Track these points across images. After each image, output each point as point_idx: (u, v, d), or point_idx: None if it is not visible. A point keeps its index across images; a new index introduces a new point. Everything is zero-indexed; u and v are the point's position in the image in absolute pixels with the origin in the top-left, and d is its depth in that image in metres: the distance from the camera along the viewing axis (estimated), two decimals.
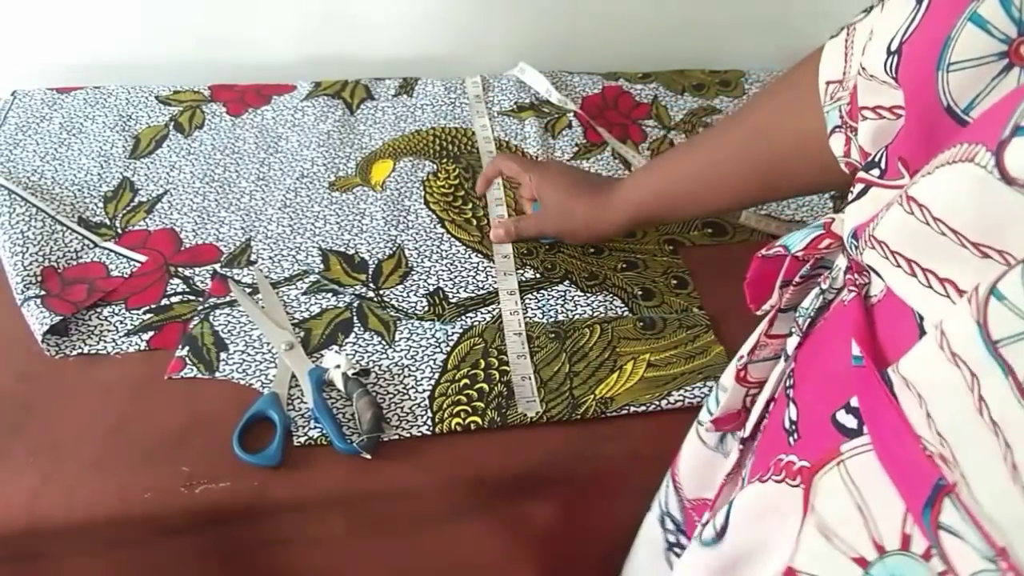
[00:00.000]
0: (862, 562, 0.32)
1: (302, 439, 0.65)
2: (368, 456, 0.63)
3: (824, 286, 0.43)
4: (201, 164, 0.89)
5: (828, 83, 0.50)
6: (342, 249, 0.81)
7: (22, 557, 0.62)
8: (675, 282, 0.80)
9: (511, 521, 0.69)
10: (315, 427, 0.65)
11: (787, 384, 0.43)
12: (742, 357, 0.49)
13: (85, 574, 0.65)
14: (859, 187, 0.40)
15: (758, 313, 0.49)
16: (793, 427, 0.40)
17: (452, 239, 0.83)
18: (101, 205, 0.83)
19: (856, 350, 0.35)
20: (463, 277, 0.79)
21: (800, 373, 0.42)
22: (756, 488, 0.41)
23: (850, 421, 0.35)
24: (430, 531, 0.68)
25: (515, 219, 0.82)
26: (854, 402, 0.35)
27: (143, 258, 0.78)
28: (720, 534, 0.43)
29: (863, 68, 0.39)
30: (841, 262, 0.43)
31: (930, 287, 0.32)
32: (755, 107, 0.63)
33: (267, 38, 1.03)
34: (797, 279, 0.45)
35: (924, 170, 0.32)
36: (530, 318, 0.75)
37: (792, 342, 0.43)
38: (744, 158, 0.62)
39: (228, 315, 0.73)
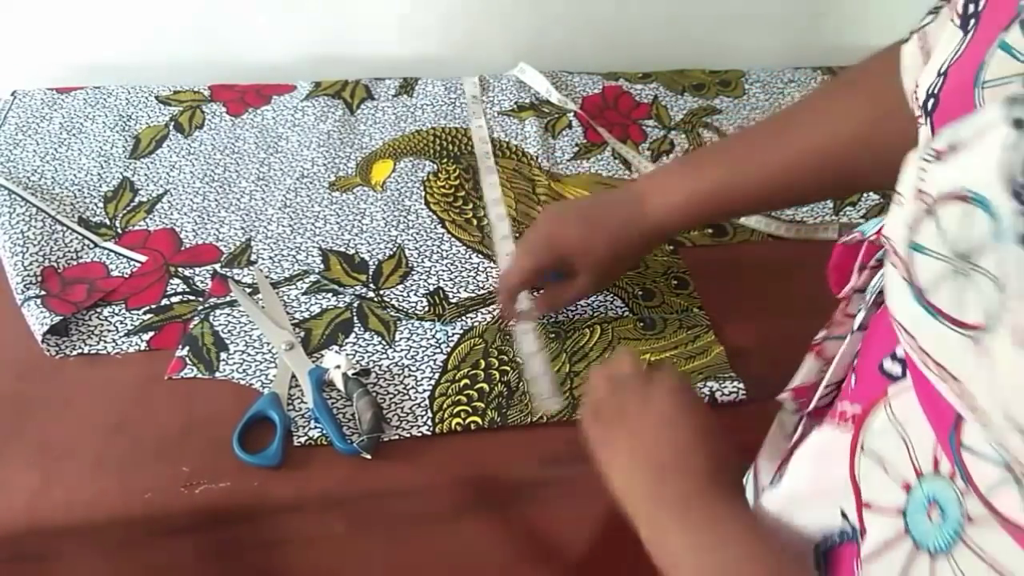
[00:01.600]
0: (907, 487, 0.38)
1: (302, 439, 0.65)
2: (368, 456, 0.63)
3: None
4: (201, 164, 0.89)
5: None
6: (342, 249, 0.81)
7: (22, 557, 0.62)
8: (675, 282, 0.80)
9: (511, 521, 0.69)
10: (315, 427, 0.65)
11: (854, 358, 0.46)
12: (822, 333, 0.52)
13: (85, 574, 0.65)
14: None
15: (839, 296, 0.51)
16: (851, 386, 0.45)
17: (452, 239, 0.82)
18: (101, 205, 0.83)
19: None
20: (463, 277, 0.79)
21: (865, 342, 0.46)
22: (813, 436, 0.46)
23: (896, 368, 0.40)
24: (430, 531, 0.68)
25: (544, 295, 0.74)
26: (899, 351, 0.39)
27: (143, 258, 0.78)
28: (779, 477, 0.47)
29: (916, 86, 0.41)
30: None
31: None
32: (815, 109, 0.62)
33: (267, 38, 1.03)
34: (873, 262, 0.47)
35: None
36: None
37: (859, 316, 0.47)
38: (816, 165, 0.61)
39: (228, 315, 0.73)
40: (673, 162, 0.75)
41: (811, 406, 0.50)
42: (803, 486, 0.46)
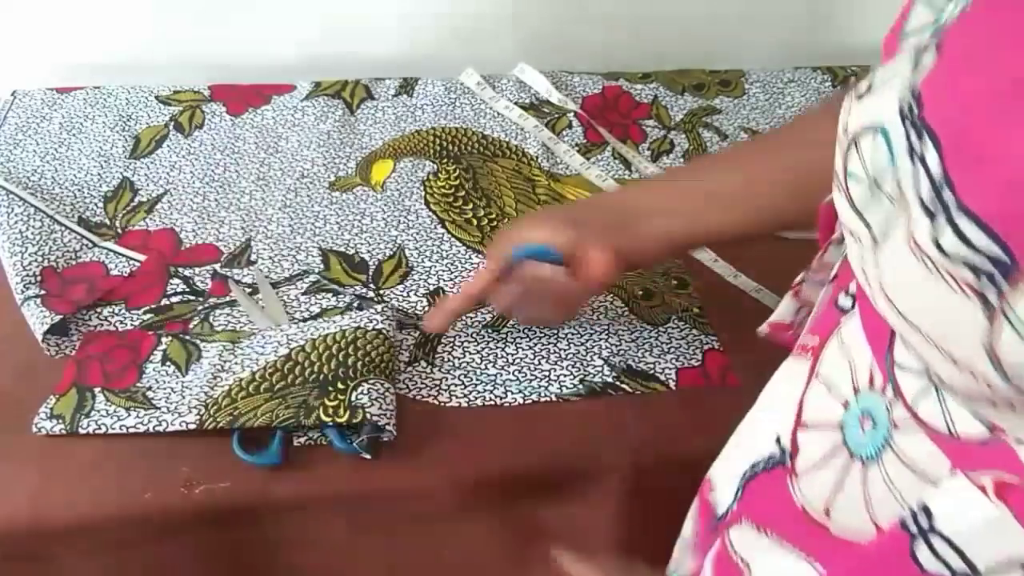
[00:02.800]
0: (845, 404, 0.41)
1: (302, 439, 0.65)
2: (368, 456, 0.63)
3: None
4: (201, 164, 0.89)
5: None
6: (342, 249, 0.81)
7: (22, 557, 0.62)
8: (675, 282, 0.80)
9: (512, 521, 0.69)
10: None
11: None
12: (801, 275, 0.54)
13: (85, 574, 0.65)
14: None
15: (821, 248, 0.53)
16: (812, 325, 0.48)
17: (452, 239, 0.82)
18: (101, 205, 0.83)
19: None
20: (463, 277, 0.79)
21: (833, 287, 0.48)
22: (779, 369, 0.50)
23: (848, 302, 0.43)
24: (430, 531, 0.68)
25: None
26: (851, 287, 0.43)
27: (142, 257, 0.78)
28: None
29: None
30: None
31: None
32: (804, 131, 0.63)
33: (267, 38, 1.03)
34: None
35: None
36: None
37: (835, 267, 0.49)
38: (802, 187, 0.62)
39: (228, 315, 0.73)
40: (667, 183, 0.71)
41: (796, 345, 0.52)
42: (765, 405, 0.50)
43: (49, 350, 0.69)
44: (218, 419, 0.63)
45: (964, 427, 0.33)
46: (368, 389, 0.64)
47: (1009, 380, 0.29)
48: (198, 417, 0.63)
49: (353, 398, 0.63)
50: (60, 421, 0.63)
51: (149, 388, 0.66)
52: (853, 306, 0.43)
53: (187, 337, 0.70)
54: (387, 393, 0.65)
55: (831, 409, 0.42)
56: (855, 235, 0.35)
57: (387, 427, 0.63)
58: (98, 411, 0.64)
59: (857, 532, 0.40)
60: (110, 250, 0.79)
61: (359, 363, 0.66)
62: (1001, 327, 0.28)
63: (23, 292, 0.71)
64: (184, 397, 0.65)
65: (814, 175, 0.60)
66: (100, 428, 0.63)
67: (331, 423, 0.62)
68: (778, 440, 0.46)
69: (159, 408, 0.64)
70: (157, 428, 0.63)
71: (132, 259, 0.78)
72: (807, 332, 0.48)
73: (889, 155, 0.32)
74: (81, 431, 0.63)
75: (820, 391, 0.44)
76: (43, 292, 0.72)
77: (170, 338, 0.70)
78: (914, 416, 0.36)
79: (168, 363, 0.68)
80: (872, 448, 0.39)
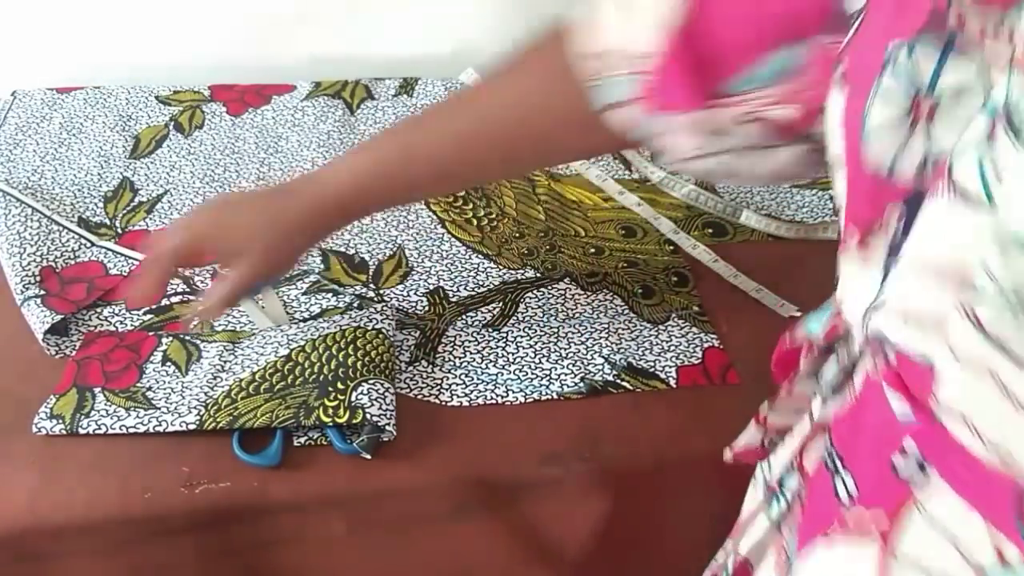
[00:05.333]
0: None
1: (302, 439, 0.65)
2: (368, 456, 0.63)
3: (842, 357, 0.43)
4: (201, 164, 0.89)
5: None
6: (342, 249, 0.81)
7: (22, 557, 0.62)
8: (675, 279, 0.80)
9: (511, 521, 0.69)
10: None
11: (831, 459, 0.42)
12: (765, 407, 0.50)
13: (85, 574, 0.65)
14: (844, 265, 0.40)
15: (780, 384, 0.50)
16: (849, 496, 0.40)
17: (452, 239, 0.82)
18: (101, 205, 0.83)
19: (897, 403, 0.35)
20: (463, 277, 0.79)
21: (845, 446, 0.41)
22: (820, 551, 0.40)
23: (911, 466, 0.36)
24: (430, 531, 0.68)
25: (220, 289, 0.64)
26: (907, 444, 0.36)
27: (141, 256, 0.78)
28: None
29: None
30: (856, 333, 0.42)
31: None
32: (491, 85, 0.62)
33: (267, 38, 1.03)
34: (816, 351, 0.46)
35: None
36: (530, 317, 0.75)
37: (816, 404, 0.44)
38: (506, 140, 0.60)
39: (228, 315, 0.73)
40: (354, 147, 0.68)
41: (773, 477, 0.48)
42: None
43: (49, 350, 0.69)
44: (218, 419, 0.63)
45: None
46: (368, 389, 0.64)
47: None
48: (198, 417, 0.63)
49: (353, 398, 0.63)
50: (60, 421, 0.63)
51: (149, 388, 0.66)
52: (925, 472, 0.36)
53: (187, 337, 0.70)
54: (387, 393, 0.65)
55: None
56: (980, 369, 0.30)
57: (387, 427, 0.63)
58: (98, 411, 0.64)
59: None
60: (108, 249, 0.79)
61: (359, 363, 0.66)
62: None
63: (23, 292, 0.71)
64: (184, 397, 0.65)
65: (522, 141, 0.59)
66: (100, 428, 0.63)
67: (331, 423, 0.62)
68: None
69: (159, 408, 0.64)
70: (157, 428, 0.63)
71: (131, 258, 0.78)
72: (852, 505, 0.39)
73: None
74: (81, 431, 0.63)
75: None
76: (43, 292, 0.72)
77: (170, 338, 0.70)
78: None
79: (168, 363, 0.68)
80: None
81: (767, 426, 0.51)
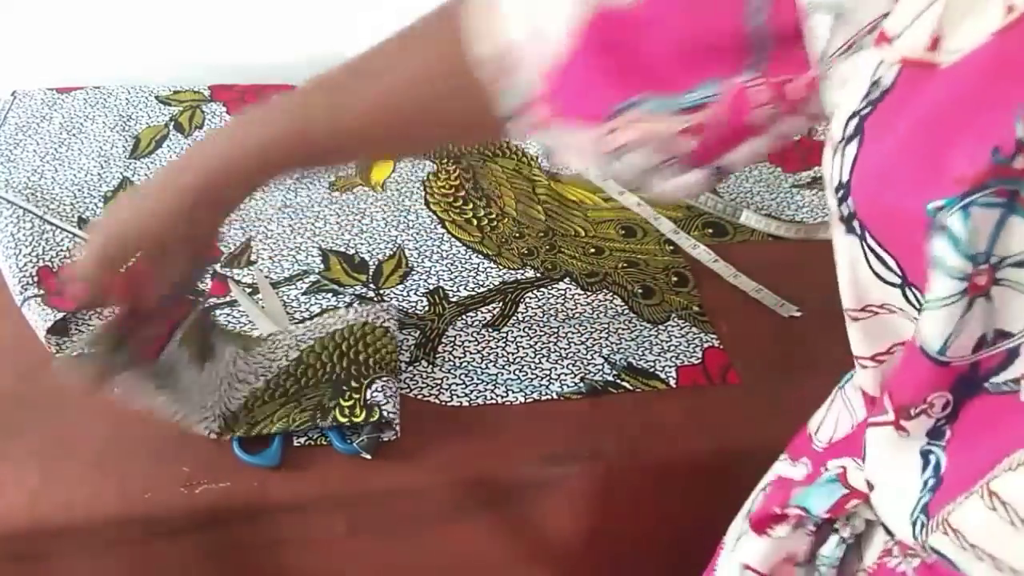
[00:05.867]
0: None
1: (302, 439, 0.65)
2: (368, 456, 0.63)
3: (844, 534, 0.41)
4: None
5: None
6: (342, 249, 0.81)
7: (22, 557, 0.62)
8: (675, 279, 0.80)
9: (511, 521, 0.69)
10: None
11: None
12: None
13: (85, 574, 0.65)
14: (873, 440, 0.37)
15: None
16: None
17: (452, 239, 0.82)
18: (101, 205, 0.83)
19: None
20: (463, 277, 0.79)
21: None
22: None
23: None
24: (430, 531, 0.68)
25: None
26: None
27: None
28: None
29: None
30: (864, 511, 0.40)
31: None
32: (388, 57, 0.57)
33: (267, 38, 1.03)
34: (811, 527, 0.43)
35: (1006, 463, 0.30)
36: (530, 317, 0.75)
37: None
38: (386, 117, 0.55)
39: (228, 315, 0.73)
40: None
41: None
42: None
43: (50, 348, 0.69)
44: (235, 429, 0.63)
45: None
46: (382, 386, 0.64)
47: None
48: (218, 427, 0.63)
49: (368, 396, 0.63)
50: None
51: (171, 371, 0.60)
52: None
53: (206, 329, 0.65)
54: (396, 392, 0.65)
55: None
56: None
57: (395, 425, 0.63)
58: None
59: None
60: None
61: (370, 359, 0.66)
62: None
63: (22, 293, 0.71)
64: (203, 398, 0.63)
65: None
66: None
67: (348, 423, 0.62)
68: None
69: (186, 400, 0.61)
70: (179, 420, 0.61)
71: None
72: None
73: None
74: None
75: None
76: (42, 292, 0.72)
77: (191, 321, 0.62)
78: None
79: (183, 347, 0.62)
80: None
81: None
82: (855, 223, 0.32)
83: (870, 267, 0.32)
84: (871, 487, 0.38)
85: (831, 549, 0.41)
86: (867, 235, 0.32)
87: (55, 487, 0.61)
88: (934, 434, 0.32)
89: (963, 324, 0.29)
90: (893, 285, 0.32)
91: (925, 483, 0.32)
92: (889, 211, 0.30)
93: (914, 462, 0.32)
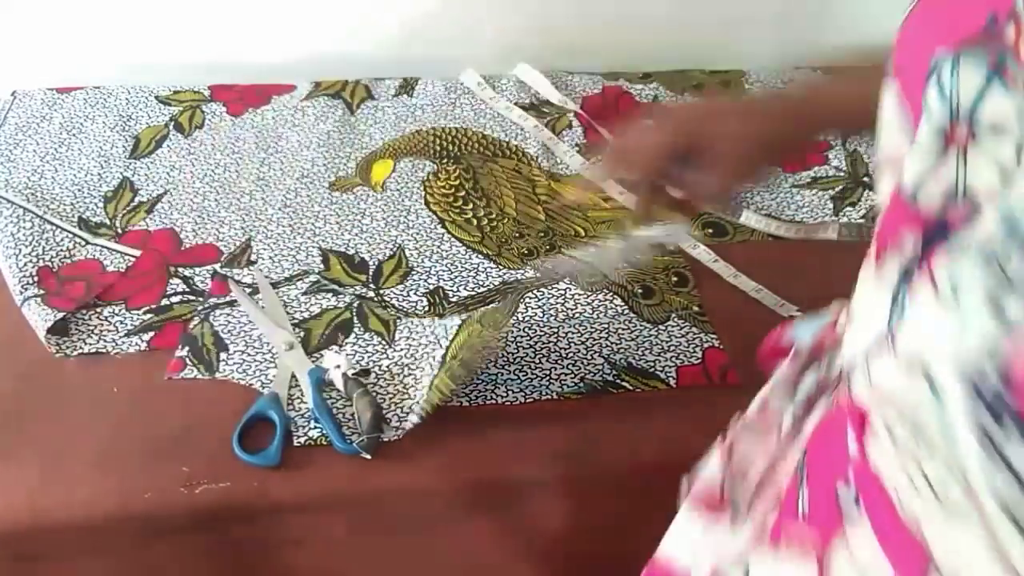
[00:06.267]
0: None
1: (302, 439, 0.65)
2: (368, 456, 0.63)
3: (821, 373, 0.45)
4: (201, 164, 0.89)
5: None
6: (342, 249, 0.81)
7: (22, 557, 0.62)
8: (675, 279, 0.80)
9: (511, 521, 0.69)
10: (315, 427, 0.65)
11: (799, 472, 0.42)
12: (735, 424, 0.50)
13: (85, 574, 0.65)
14: (862, 274, 0.38)
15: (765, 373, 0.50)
16: (803, 513, 0.41)
17: (452, 239, 0.82)
18: (101, 205, 0.83)
19: (851, 438, 0.36)
20: (463, 277, 0.79)
21: (811, 463, 0.42)
22: (769, 564, 0.42)
23: (849, 497, 0.37)
24: (430, 531, 0.68)
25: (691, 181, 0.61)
26: (851, 476, 0.37)
27: (136, 252, 0.78)
28: None
29: None
30: (837, 356, 0.43)
31: None
32: None
33: (267, 38, 1.03)
34: (799, 361, 0.47)
35: None
36: (530, 317, 0.75)
37: (787, 421, 0.45)
38: None
39: (228, 315, 0.73)
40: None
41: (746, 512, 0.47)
42: None
43: (51, 348, 0.69)
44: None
45: None
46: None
47: None
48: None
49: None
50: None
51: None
52: (857, 507, 0.36)
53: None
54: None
55: None
56: (905, 455, 0.32)
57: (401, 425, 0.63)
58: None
59: None
60: (103, 247, 0.79)
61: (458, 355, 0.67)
62: None
63: (22, 293, 0.72)
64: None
65: None
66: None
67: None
68: None
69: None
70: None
71: (126, 255, 0.78)
72: (802, 521, 0.40)
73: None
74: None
75: None
76: (42, 292, 0.72)
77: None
78: None
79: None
80: None
81: (732, 448, 0.48)
82: (892, 74, 0.36)
83: (895, 116, 0.36)
84: (850, 322, 0.40)
85: (808, 385, 0.45)
86: (897, 85, 0.35)
87: (55, 487, 0.61)
88: (904, 276, 0.33)
89: (935, 172, 0.31)
90: (907, 134, 0.35)
91: (889, 320, 0.34)
92: (912, 61, 0.34)
93: (885, 299, 0.34)
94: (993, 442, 0.27)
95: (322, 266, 0.79)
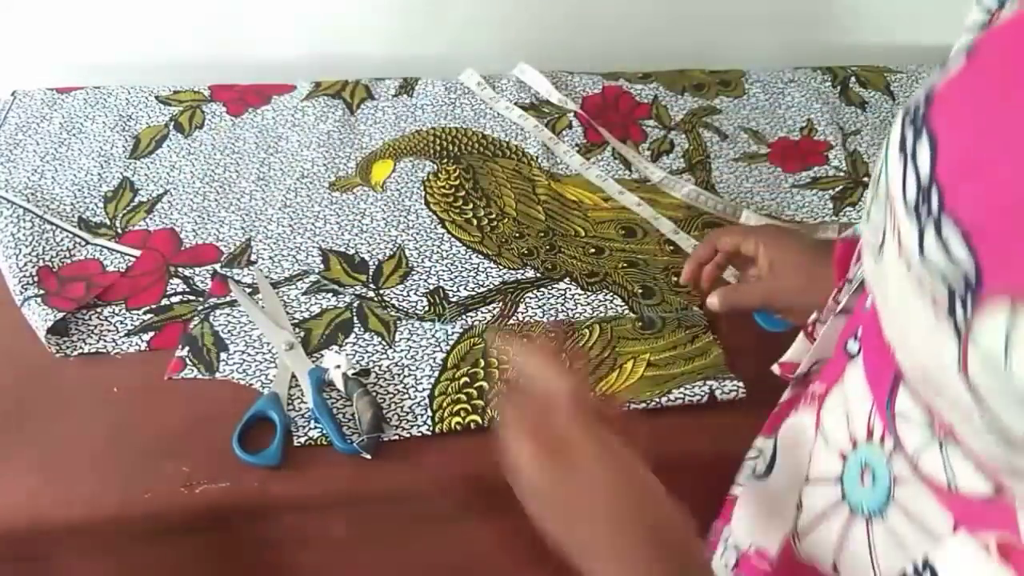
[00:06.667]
0: (843, 456, 0.41)
1: (302, 439, 0.65)
2: (368, 456, 0.63)
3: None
4: (201, 164, 0.89)
5: None
6: (342, 249, 0.81)
7: (22, 557, 0.62)
8: (675, 279, 0.80)
9: (511, 521, 0.69)
10: (315, 427, 0.65)
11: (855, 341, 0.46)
12: (814, 315, 0.53)
13: (85, 574, 0.65)
14: None
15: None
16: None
17: (452, 239, 0.82)
18: (101, 205, 0.83)
19: (868, 302, 0.40)
20: (463, 277, 0.79)
21: (845, 328, 0.47)
22: (790, 420, 0.48)
23: (854, 347, 0.42)
24: (430, 531, 0.68)
25: (734, 287, 0.70)
26: (859, 331, 0.42)
27: (136, 252, 0.78)
28: (768, 468, 0.49)
29: None
30: None
31: None
32: None
33: (267, 38, 1.03)
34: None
35: None
36: (530, 317, 0.75)
37: (843, 301, 0.48)
38: None
39: (228, 315, 0.73)
40: None
41: (794, 375, 0.52)
42: (789, 473, 0.47)
43: (51, 348, 0.69)
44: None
45: (966, 483, 0.32)
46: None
47: (987, 409, 0.28)
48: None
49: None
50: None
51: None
52: (858, 351, 0.42)
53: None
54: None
55: (831, 462, 0.41)
56: (867, 245, 0.35)
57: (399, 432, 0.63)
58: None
59: None
60: (103, 247, 0.79)
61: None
62: (968, 351, 0.27)
63: (22, 293, 0.72)
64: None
65: None
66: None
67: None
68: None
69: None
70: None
71: (126, 255, 0.78)
72: (817, 380, 0.47)
73: (885, 153, 0.31)
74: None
75: (821, 444, 0.43)
76: (42, 292, 0.72)
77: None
78: (915, 469, 0.35)
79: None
80: (875, 503, 0.38)
81: (815, 338, 0.51)
82: None
83: None
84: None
85: (859, 269, 0.48)
86: None
87: (55, 487, 0.61)
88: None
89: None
90: None
91: None
92: None
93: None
94: (906, 148, 0.30)
95: (322, 266, 0.79)
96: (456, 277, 0.78)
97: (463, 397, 0.68)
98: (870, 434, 0.39)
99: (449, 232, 0.83)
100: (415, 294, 0.77)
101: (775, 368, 0.57)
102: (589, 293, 0.78)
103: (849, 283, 0.49)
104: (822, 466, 0.42)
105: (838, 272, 0.52)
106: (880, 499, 0.38)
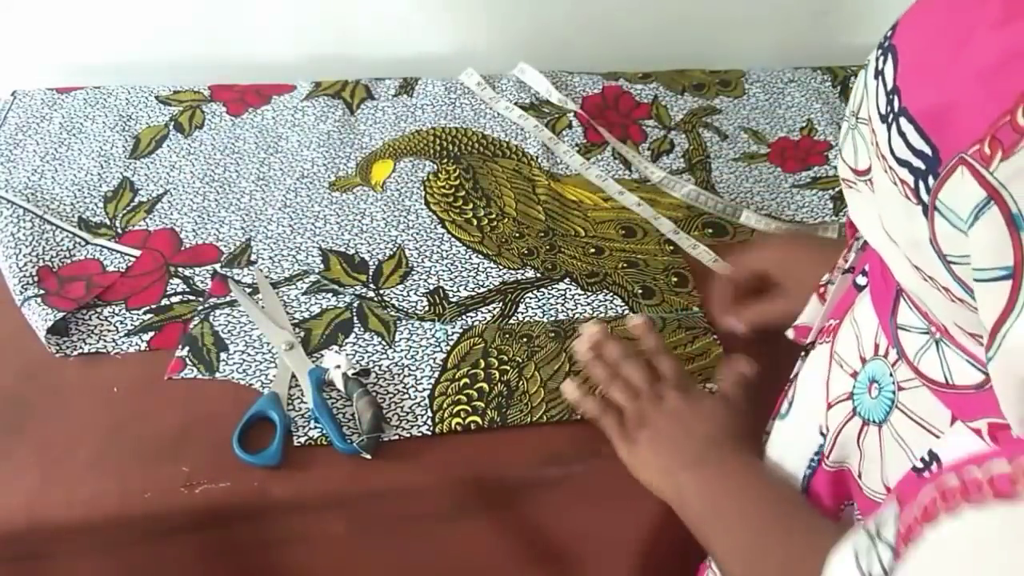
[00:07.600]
0: (854, 374, 0.46)
1: (302, 439, 0.65)
2: (368, 456, 0.63)
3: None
4: (201, 164, 0.89)
5: None
6: (342, 249, 0.81)
7: (22, 557, 0.62)
8: (675, 279, 0.80)
9: (511, 521, 0.69)
10: (315, 427, 0.65)
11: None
12: (825, 276, 0.57)
13: (85, 574, 0.65)
14: None
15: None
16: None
17: (452, 239, 0.82)
18: (101, 205, 0.83)
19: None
20: (463, 277, 0.79)
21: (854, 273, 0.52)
22: (810, 356, 0.53)
23: (863, 280, 0.48)
24: (430, 531, 0.68)
25: (756, 308, 0.70)
26: (867, 267, 0.47)
27: (136, 252, 0.78)
28: (790, 406, 0.55)
29: None
30: None
31: None
32: None
33: (267, 38, 1.03)
34: None
35: None
36: (530, 317, 0.75)
37: (850, 259, 0.53)
38: None
39: (228, 315, 0.73)
40: None
41: (809, 338, 0.56)
42: (806, 408, 0.52)
43: (51, 347, 0.69)
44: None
45: (961, 377, 0.37)
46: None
47: (959, 281, 0.32)
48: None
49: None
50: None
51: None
52: (864, 285, 0.47)
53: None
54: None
55: (844, 382, 0.47)
56: (852, 185, 0.40)
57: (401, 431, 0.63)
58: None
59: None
60: (103, 247, 0.79)
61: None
62: (934, 220, 0.32)
63: (22, 293, 0.72)
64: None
65: None
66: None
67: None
68: (822, 432, 0.49)
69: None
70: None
71: (126, 255, 0.78)
72: (828, 316, 0.53)
73: (863, 84, 0.37)
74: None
75: (835, 369, 0.48)
76: (42, 291, 0.72)
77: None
78: (916, 372, 0.40)
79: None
80: (881, 411, 0.43)
81: (826, 299, 0.55)
82: None
83: None
84: None
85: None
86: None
87: (55, 487, 0.61)
88: None
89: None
90: None
91: None
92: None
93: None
94: (879, 71, 0.36)
95: (322, 266, 0.79)
96: (456, 277, 0.78)
97: (463, 398, 0.68)
98: (876, 349, 0.44)
99: (449, 232, 0.83)
100: (415, 294, 0.77)
101: (789, 333, 0.60)
102: (589, 293, 0.78)
103: (857, 240, 0.52)
104: (837, 388, 0.47)
105: (848, 233, 0.55)
106: (886, 407, 0.43)
